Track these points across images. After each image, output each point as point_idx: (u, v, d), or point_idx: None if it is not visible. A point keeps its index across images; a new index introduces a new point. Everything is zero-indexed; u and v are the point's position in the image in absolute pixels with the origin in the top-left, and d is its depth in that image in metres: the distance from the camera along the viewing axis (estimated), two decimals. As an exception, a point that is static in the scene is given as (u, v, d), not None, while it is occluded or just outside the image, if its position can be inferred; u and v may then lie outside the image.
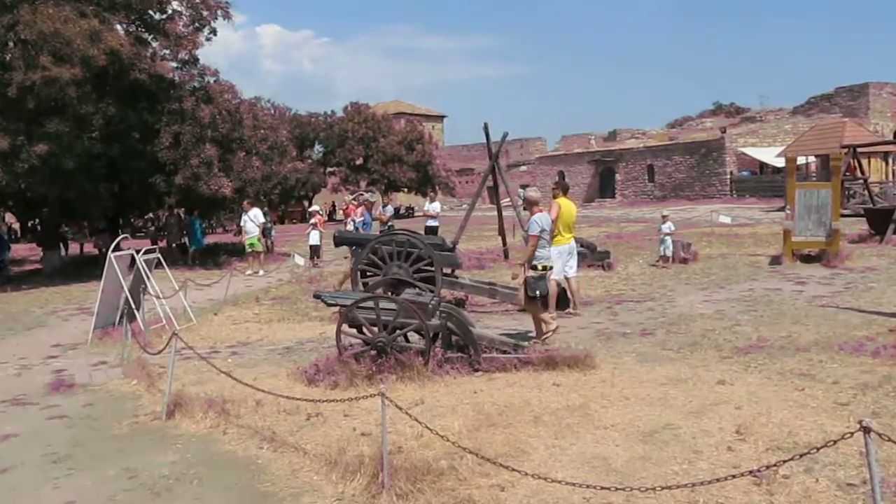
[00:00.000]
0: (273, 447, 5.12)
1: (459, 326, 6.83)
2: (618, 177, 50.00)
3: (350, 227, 20.04)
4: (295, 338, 9.41)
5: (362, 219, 17.89)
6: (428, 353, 6.52)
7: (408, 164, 52.31)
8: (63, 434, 5.82)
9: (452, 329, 6.85)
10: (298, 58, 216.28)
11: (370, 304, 6.75)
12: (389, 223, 17.92)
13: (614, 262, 14.86)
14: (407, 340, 6.99)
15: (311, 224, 20.05)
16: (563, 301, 10.05)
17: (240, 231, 20.80)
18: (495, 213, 17.15)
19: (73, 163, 16.73)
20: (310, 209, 23.66)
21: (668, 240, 14.83)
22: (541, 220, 7.95)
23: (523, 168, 62.38)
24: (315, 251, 19.50)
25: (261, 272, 17.56)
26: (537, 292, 7.65)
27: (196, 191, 19.32)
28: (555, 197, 10.26)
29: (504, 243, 17.02)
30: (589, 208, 44.22)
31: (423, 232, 15.77)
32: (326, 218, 49.37)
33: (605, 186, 51.04)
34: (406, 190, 55.32)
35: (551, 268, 8.06)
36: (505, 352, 6.81)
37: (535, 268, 7.77)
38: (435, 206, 19.89)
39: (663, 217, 15.41)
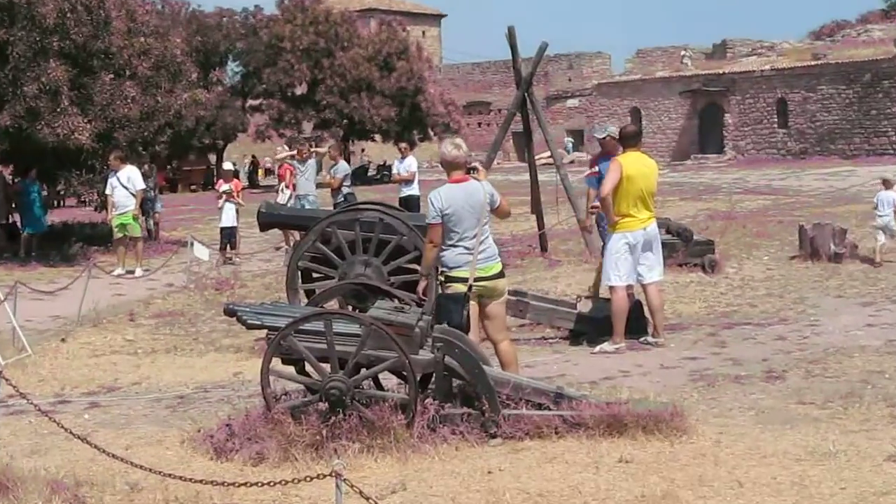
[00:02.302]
0: (158, 560, 5.14)
1: (465, 363, 6.84)
2: (728, 118, 50.07)
3: (283, 197, 20.06)
4: (194, 380, 9.42)
5: None
6: (413, 408, 6.54)
7: (383, 94, 52.15)
8: None
9: (453, 367, 6.86)
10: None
11: (318, 325, 6.75)
12: (347, 192, 17.91)
13: (722, 260, 14.85)
14: (379, 386, 6.99)
15: (223, 193, 20.05)
16: (636, 323, 10.07)
17: (104, 203, 20.76)
18: (526, 176, 17.17)
19: None
20: (220, 168, 23.68)
21: (893, 222, 14.51)
22: (442, 196, 7.70)
23: (573, 102, 62.41)
24: (228, 236, 19.50)
25: (138, 271, 17.57)
26: (445, 322, 7.34)
27: (33, 137, 19.29)
28: (622, 148, 10.24)
29: (540, 225, 17.05)
30: (681, 170, 44.27)
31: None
32: (247, 183, 49.53)
33: (707, 134, 51.10)
34: (379, 137, 55.28)
35: (477, 280, 7.74)
36: (540, 405, 6.82)
37: (447, 280, 7.76)
38: (408, 165, 19.87)
39: (885, 183, 15.22)
